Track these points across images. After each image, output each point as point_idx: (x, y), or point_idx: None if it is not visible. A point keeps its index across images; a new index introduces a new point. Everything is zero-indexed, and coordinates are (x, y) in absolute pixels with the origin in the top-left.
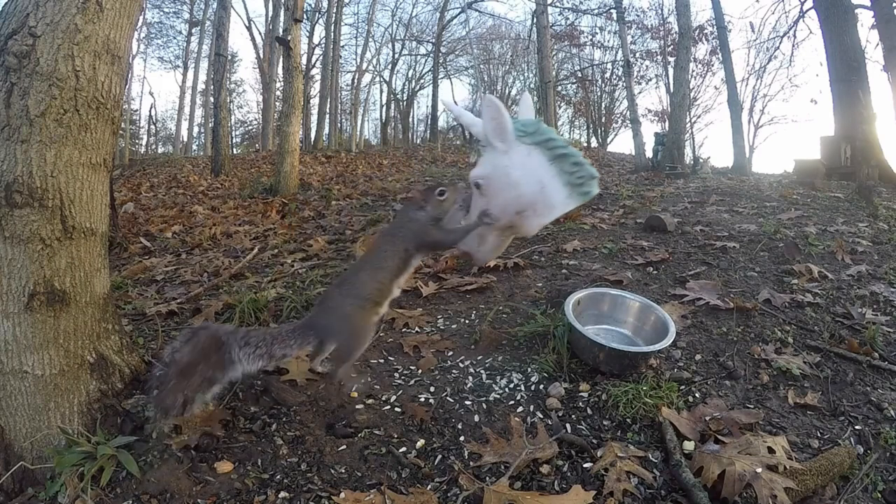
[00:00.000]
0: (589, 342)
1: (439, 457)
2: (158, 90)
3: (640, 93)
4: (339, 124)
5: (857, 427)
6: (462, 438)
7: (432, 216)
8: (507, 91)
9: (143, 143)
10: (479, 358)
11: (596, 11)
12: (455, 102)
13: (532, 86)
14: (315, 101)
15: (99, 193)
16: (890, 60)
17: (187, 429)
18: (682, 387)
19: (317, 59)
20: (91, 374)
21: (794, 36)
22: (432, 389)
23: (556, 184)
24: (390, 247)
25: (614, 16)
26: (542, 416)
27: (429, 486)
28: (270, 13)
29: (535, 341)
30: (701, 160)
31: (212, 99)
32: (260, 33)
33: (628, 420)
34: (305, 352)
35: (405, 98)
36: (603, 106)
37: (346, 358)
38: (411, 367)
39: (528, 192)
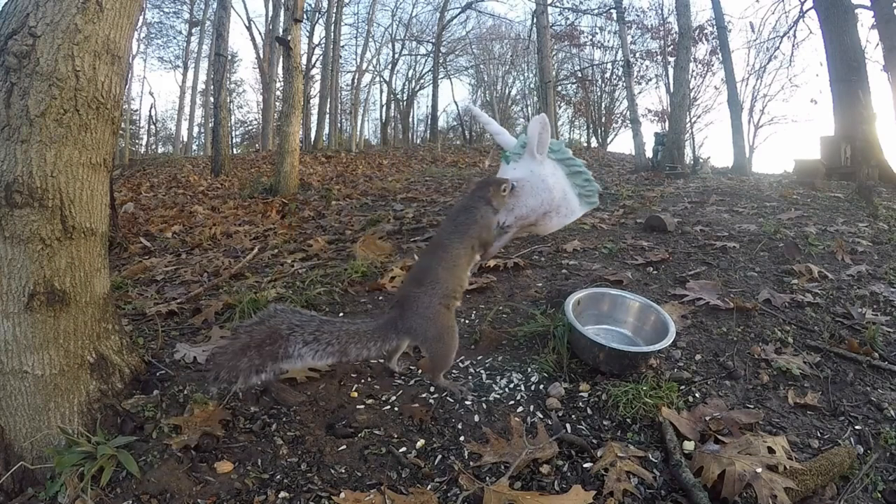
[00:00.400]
0: (589, 342)
1: (439, 457)
2: (158, 90)
3: (640, 93)
4: (339, 124)
5: (857, 427)
6: (462, 438)
7: (496, 211)
8: (507, 91)
9: (143, 143)
10: (479, 358)
11: (596, 11)
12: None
13: (532, 86)
14: (315, 101)
15: (99, 193)
16: (890, 60)
17: (187, 429)
18: (682, 387)
19: (317, 59)
20: (91, 374)
21: (794, 36)
22: (432, 389)
23: (573, 193)
24: (459, 242)
25: (614, 16)
26: (542, 416)
27: (429, 486)
28: (270, 13)
29: (535, 341)
30: (701, 160)
31: (212, 99)
32: (260, 33)
33: (628, 420)
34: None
35: (405, 98)
36: (603, 106)
37: (443, 365)
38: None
39: (557, 197)
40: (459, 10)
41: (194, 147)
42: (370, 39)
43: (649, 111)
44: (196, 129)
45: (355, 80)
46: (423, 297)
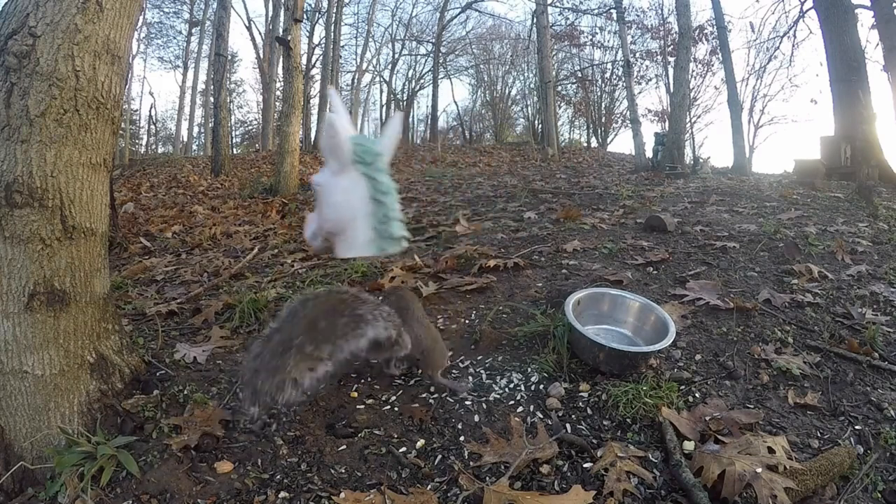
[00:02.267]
0: (589, 342)
1: (439, 457)
2: (158, 90)
3: (640, 93)
4: None
5: (857, 427)
6: (462, 438)
7: None
8: (507, 91)
9: (143, 143)
10: (479, 358)
11: (596, 11)
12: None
13: (532, 86)
14: (315, 101)
15: (99, 193)
16: (890, 60)
17: (187, 429)
18: (682, 387)
19: (317, 59)
20: (91, 374)
21: (794, 36)
22: (432, 389)
23: (365, 224)
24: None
25: (614, 16)
26: (542, 416)
27: (429, 486)
28: (270, 13)
29: (535, 341)
30: (701, 160)
31: (212, 99)
32: (260, 33)
33: (628, 420)
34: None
35: (405, 98)
36: (603, 106)
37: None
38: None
39: (343, 218)
40: (459, 10)
41: (194, 147)
42: (370, 39)
43: (649, 111)
44: (196, 129)
45: (355, 80)
46: None
